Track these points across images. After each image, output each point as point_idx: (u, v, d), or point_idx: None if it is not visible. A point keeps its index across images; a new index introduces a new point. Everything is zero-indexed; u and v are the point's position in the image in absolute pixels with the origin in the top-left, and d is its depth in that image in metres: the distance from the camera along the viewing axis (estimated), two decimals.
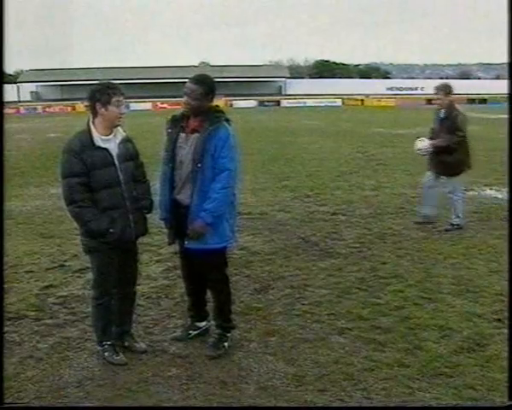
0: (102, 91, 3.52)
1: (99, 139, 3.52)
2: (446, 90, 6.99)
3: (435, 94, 7.09)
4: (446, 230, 6.99)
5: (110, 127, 3.58)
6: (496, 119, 28.22)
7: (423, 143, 7.04)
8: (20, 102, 66.31)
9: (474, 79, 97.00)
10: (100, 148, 3.51)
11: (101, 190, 3.51)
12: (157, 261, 5.95)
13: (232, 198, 3.78)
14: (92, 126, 3.54)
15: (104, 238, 3.53)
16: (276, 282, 5.28)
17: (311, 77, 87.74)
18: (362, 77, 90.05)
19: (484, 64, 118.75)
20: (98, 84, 3.59)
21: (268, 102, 63.58)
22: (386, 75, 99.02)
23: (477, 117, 33.20)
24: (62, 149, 3.55)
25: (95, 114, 3.54)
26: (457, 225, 7.05)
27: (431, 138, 7.13)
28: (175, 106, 61.18)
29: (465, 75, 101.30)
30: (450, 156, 6.83)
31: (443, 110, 7.02)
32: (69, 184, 3.47)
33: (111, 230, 3.52)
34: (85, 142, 3.49)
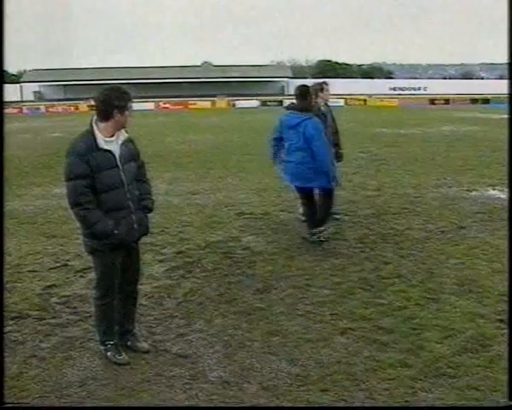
0: (120, 98, 3.49)
1: (103, 141, 3.50)
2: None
3: (327, 86, 7.32)
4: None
5: (119, 130, 3.58)
6: (499, 119, 28.17)
7: None
8: (22, 101, 66.56)
9: (478, 78, 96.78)
10: (104, 150, 3.49)
11: (105, 192, 3.51)
12: (160, 261, 5.95)
13: None
14: (95, 128, 3.52)
15: (109, 239, 3.54)
16: (278, 282, 5.28)
17: (314, 77, 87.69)
18: (364, 77, 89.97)
19: (487, 64, 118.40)
20: (112, 89, 3.53)
21: (270, 102, 63.59)
22: (388, 75, 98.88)
23: (480, 117, 33.23)
24: (66, 151, 3.53)
25: (107, 118, 3.50)
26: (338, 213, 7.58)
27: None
28: (178, 106, 61.43)
29: (468, 75, 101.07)
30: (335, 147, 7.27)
31: (323, 106, 7.24)
32: (74, 186, 3.45)
33: (115, 231, 3.53)
34: (90, 144, 3.46)
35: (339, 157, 7.61)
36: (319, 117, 7.21)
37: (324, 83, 7.51)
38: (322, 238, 6.50)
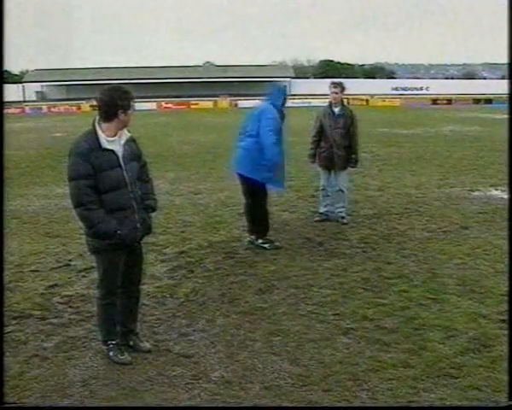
0: (123, 97, 3.49)
1: (105, 141, 3.50)
2: (342, 86, 7.38)
3: (334, 88, 7.33)
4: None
5: (121, 130, 3.59)
6: (501, 119, 28.10)
7: None
8: (25, 101, 66.56)
9: (480, 79, 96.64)
10: (106, 150, 3.49)
11: (108, 192, 3.51)
12: (162, 261, 5.96)
13: None
14: (98, 128, 3.52)
15: (112, 239, 3.54)
16: (280, 282, 5.28)
17: (316, 77, 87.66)
18: (367, 77, 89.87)
19: (489, 64, 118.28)
20: (114, 89, 3.53)
21: None
22: (391, 75, 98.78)
23: (482, 117, 33.17)
24: (69, 151, 3.53)
25: (110, 118, 3.50)
26: (344, 217, 7.56)
27: (321, 133, 7.44)
28: (180, 106, 61.41)
29: (470, 75, 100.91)
30: (343, 150, 7.40)
31: (339, 107, 7.36)
32: (77, 186, 3.46)
33: (118, 231, 3.53)
34: (92, 144, 3.47)
35: (352, 162, 7.61)
36: (325, 115, 7.39)
37: (331, 83, 7.51)
38: (266, 246, 6.32)
